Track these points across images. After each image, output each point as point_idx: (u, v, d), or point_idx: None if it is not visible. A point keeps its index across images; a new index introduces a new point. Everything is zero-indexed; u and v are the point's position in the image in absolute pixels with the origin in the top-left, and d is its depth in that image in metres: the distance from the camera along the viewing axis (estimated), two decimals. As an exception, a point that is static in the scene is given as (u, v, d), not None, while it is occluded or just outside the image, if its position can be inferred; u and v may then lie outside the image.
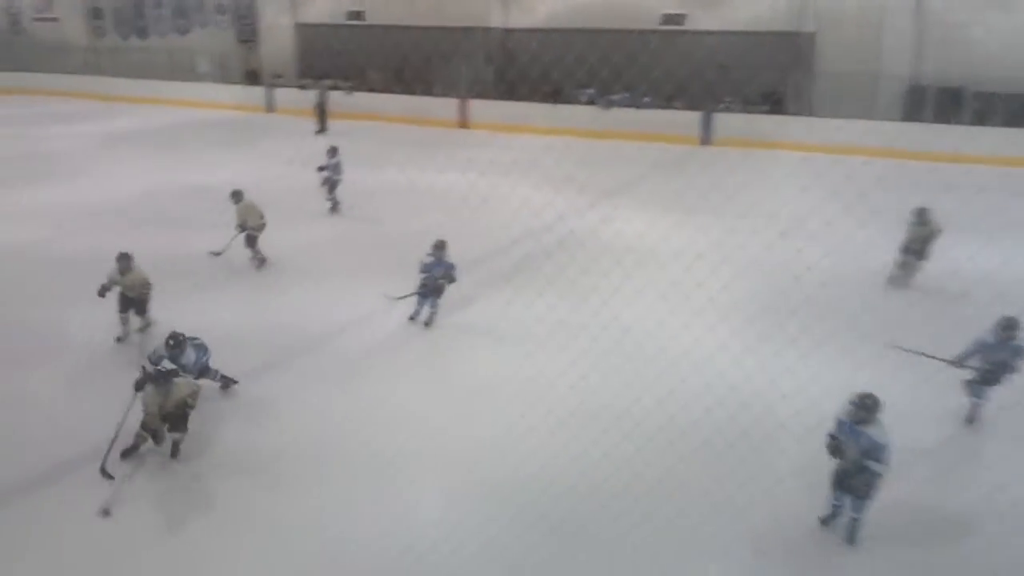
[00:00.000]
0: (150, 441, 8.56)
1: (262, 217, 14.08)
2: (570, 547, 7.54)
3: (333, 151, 17.48)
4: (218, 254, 14.26)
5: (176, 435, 8.57)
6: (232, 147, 24.57)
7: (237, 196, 14.05)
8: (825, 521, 7.77)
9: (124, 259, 10.89)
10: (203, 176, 19.56)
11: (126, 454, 8.49)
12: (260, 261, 14.24)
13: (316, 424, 9.32)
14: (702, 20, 29.45)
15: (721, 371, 9.85)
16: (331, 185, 17.52)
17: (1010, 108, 24.26)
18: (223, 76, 36.66)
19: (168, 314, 11.49)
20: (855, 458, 7.29)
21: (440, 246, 11.70)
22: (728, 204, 16.86)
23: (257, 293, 13.18)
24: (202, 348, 9.48)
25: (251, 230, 13.99)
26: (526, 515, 7.86)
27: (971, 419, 9.57)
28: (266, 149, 24.44)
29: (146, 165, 22.07)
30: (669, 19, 29.94)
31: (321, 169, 17.37)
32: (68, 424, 9.21)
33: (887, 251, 13.06)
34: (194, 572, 7.15)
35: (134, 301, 11.12)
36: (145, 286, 11.06)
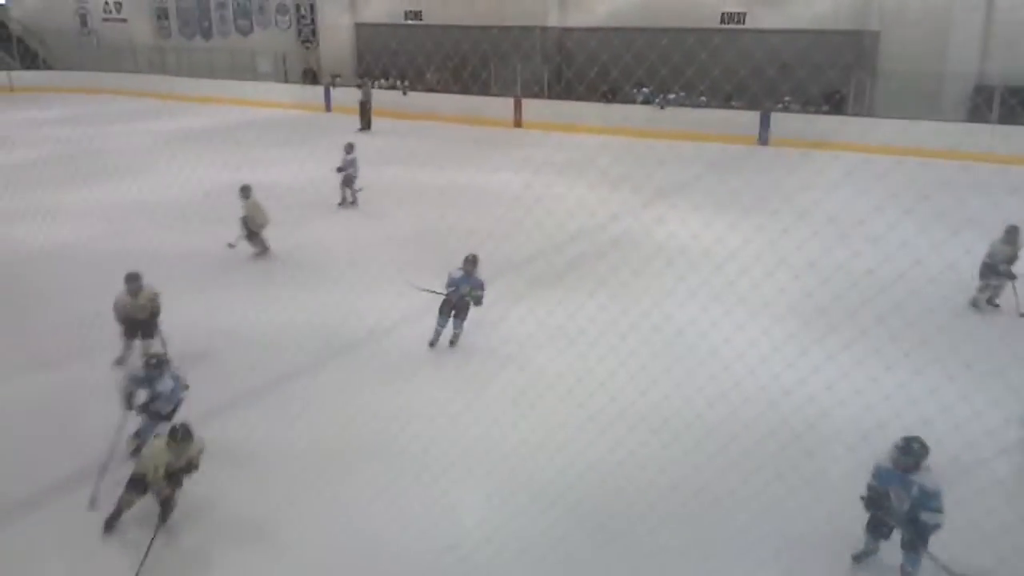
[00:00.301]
0: (136, 506, 7.47)
1: (265, 216, 14.50)
2: (615, 549, 7.45)
3: (349, 147, 17.99)
4: (232, 246, 14.56)
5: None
6: (289, 146, 24.82)
7: (245, 192, 14.48)
8: (858, 558, 7.28)
9: (133, 280, 10.12)
10: (259, 175, 19.74)
11: (110, 525, 7.48)
12: (262, 249, 14.63)
13: (355, 426, 9.23)
14: (763, 18, 29.06)
15: (775, 374, 9.64)
16: (347, 181, 18.04)
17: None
18: (284, 76, 37.17)
19: (199, 312, 11.63)
20: (905, 509, 6.78)
21: (471, 261, 10.99)
22: (785, 205, 16.60)
23: (288, 291, 13.09)
24: (178, 380, 8.46)
25: (253, 226, 14.42)
26: (572, 517, 7.80)
27: None
28: (321, 148, 24.64)
29: (205, 163, 22.37)
30: (729, 18, 29.61)
31: (340, 170, 17.89)
32: (91, 429, 8.69)
33: (949, 256, 12.66)
34: None
35: (142, 323, 10.31)
36: (154, 302, 10.26)
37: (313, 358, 10.87)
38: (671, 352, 10.81)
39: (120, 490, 7.46)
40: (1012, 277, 12.53)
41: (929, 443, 6.83)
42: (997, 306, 12.72)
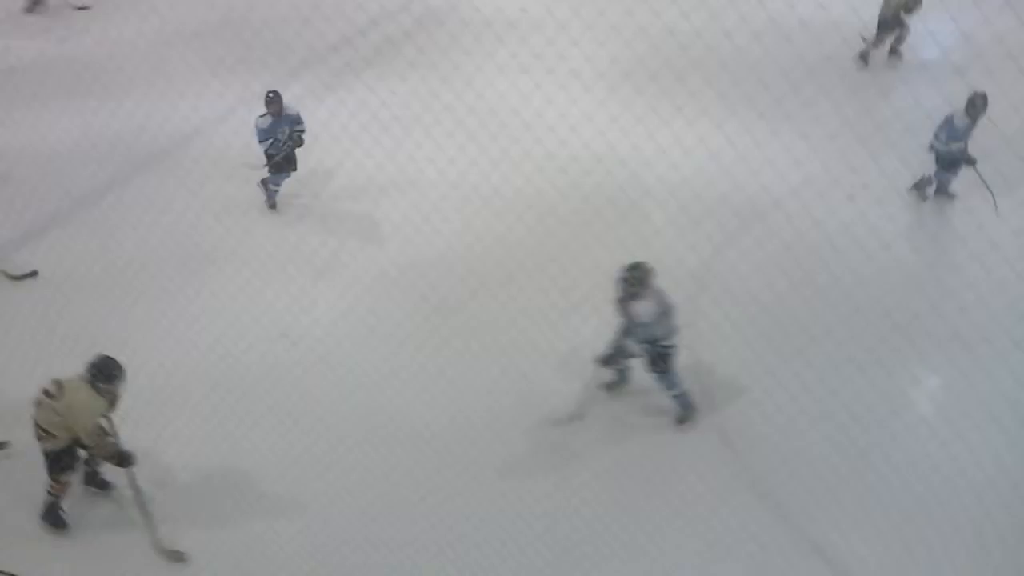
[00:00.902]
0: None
1: None
2: (450, 322, 7.83)
3: None
4: None
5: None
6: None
7: None
8: (611, 387, 7.26)
9: None
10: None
11: (56, 517, 6.18)
12: None
13: (176, 236, 9.13)
14: None
15: (586, 142, 9.92)
16: None
17: None
18: None
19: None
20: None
21: (273, 99, 9.41)
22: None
23: (74, 102, 11.83)
24: None
25: None
26: (408, 298, 8.09)
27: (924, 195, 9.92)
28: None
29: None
30: None
31: None
32: None
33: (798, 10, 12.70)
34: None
35: None
36: None
37: (117, 172, 10.31)
38: (486, 130, 10.77)
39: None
40: (900, 27, 12.66)
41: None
42: (899, 54, 12.96)
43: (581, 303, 7.68)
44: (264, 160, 9.47)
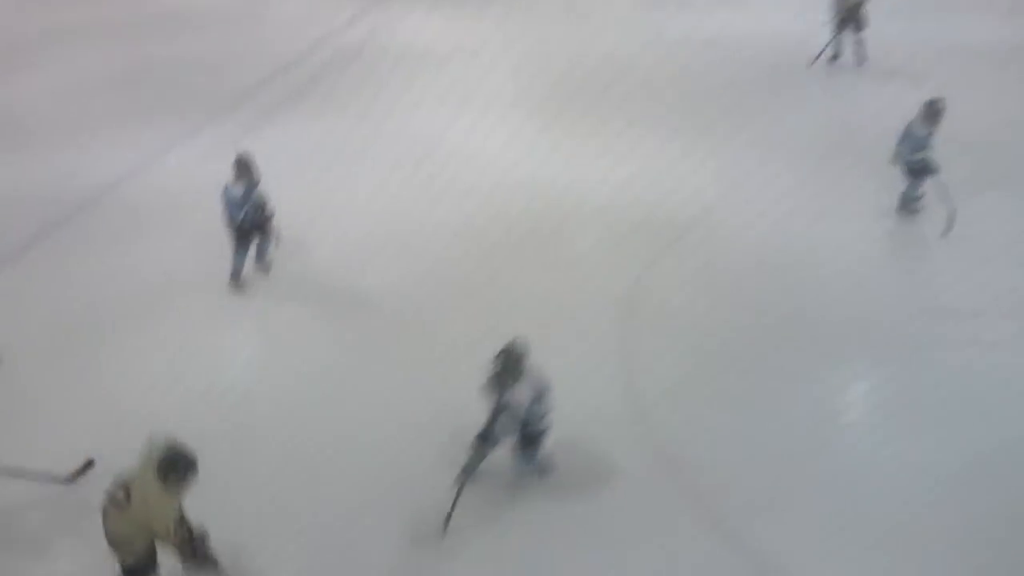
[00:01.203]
0: None
1: None
2: (382, 359, 7.87)
3: None
4: None
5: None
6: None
7: None
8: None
9: None
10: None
11: None
12: None
13: (105, 292, 8.91)
14: None
15: (506, 169, 10.03)
16: None
17: None
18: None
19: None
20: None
21: (244, 165, 8.55)
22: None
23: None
24: None
25: None
26: (339, 338, 8.11)
27: (911, 208, 9.60)
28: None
29: None
30: None
31: None
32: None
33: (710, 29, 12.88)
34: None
35: None
36: None
37: (45, 223, 10.14)
38: (409, 161, 10.70)
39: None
40: (859, 28, 12.99)
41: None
42: (862, 57, 13.17)
43: (511, 334, 7.74)
44: (232, 232, 8.75)
